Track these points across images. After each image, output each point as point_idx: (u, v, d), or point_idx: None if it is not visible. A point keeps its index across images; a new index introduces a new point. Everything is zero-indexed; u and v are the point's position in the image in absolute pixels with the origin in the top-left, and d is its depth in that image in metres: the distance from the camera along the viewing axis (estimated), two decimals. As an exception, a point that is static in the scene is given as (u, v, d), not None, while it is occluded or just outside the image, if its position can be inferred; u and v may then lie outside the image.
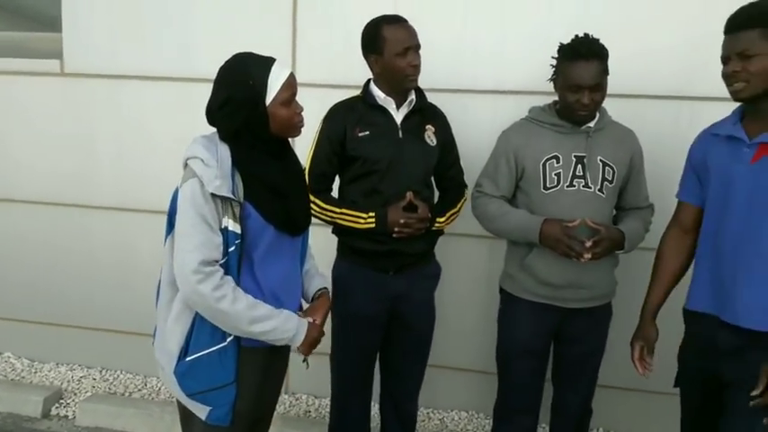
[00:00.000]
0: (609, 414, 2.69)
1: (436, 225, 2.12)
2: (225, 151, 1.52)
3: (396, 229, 2.01)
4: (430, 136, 2.12)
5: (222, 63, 1.57)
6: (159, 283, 1.63)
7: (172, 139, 2.86)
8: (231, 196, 1.48)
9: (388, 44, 1.99)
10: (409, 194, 2.03)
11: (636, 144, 2.09)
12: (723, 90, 2.39)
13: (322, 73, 2.75)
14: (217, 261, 1.48)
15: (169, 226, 1.58)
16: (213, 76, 1.56)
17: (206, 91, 1.59)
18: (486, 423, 2.83)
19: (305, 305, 1.78)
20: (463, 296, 2.79)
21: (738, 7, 1.65)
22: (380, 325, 2.15)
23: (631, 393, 2.73)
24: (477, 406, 2.90)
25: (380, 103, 2.07)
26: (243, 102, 1.50)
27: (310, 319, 1.65)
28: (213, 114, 1.55)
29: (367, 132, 2.04)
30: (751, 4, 1.64)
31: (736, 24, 1.62)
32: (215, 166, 1.47)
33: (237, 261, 1.52)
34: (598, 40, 1.95)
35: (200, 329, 1.53)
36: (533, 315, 2.06)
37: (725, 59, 1.65)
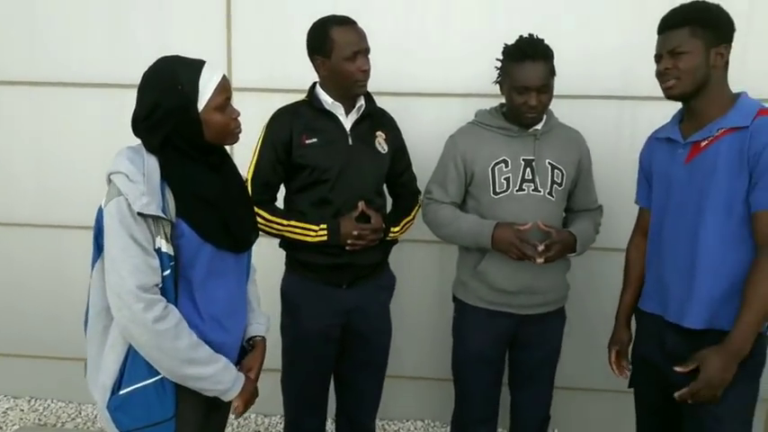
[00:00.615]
0: (563, 416, 2.69)
1: (391, 235, 2.06)
2: (153, 164, 1.40)
3: (349, 242, 1.93)
4: (381, 143, 2.06)
5: (146, 68, 1.45)
6: (87, 310, 1.49)
7: (99, 149, 2.68)
8: (161, 214, 1.36)
9: (336, 47, 1.90)
10: (361, 204, 1.96)
11: (583, 145, 2.09)
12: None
13: (260, 75, 2.64)
14: (157, 285, 1.37)
15: (96, 248, 1.45)
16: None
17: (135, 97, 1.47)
18: (443, 429, 2.79)
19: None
20: (414, 303, 2.75)
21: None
22: (334, 340, 2.06)
23: (584, 393, 2.74)
24: (433, 414, 2.87)
25: (328, 108, 1.98)
26: (172, 109, 1.39)
27: (247, 375, 1.56)
28: (139, 124, 1.42)
29: (315, 139, 1.95)
30: (682, 4, 1.67)
31: (667, 24, 1.65)
32: (141, 182, 1.36)
33: (174, 285, 1.41)
34: (543, 40, 1.94)
35: (136, 360, 1.41)
36: (488, 323, 2.03)
37: (657, 58, 1.68)
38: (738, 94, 1.66)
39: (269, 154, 1.96)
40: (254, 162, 1.98)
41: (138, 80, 1.44)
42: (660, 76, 1.67)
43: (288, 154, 1.96)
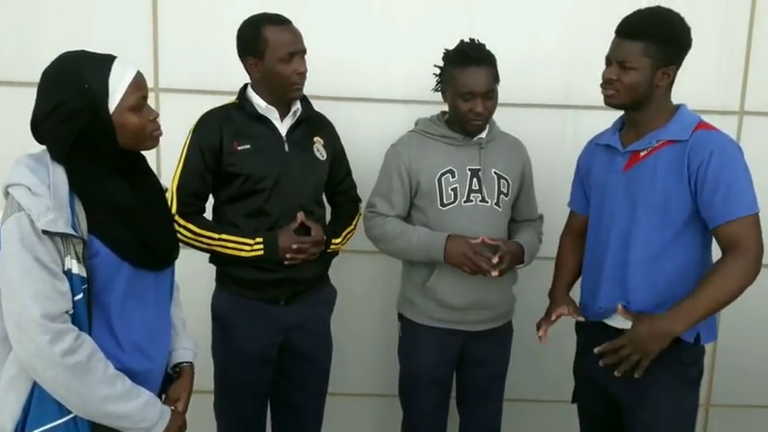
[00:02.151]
0: (510, 428, 2.66)
1: (332, 247, 1.96)
2: (60, 174, 1.24)
3: (288, 256, 1.81)
4: (319, 149, 1.95)
5: (48, 65, 1.29)
6: None
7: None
8: (70, 231, 1.20)
9: (270, 47, 1.78)
10: (300, 215, 1.85)
11: (526, 154, 2.08)
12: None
13: (189, 75, 2.47)
14: (67, 312, 1.21)
15: None
16: None
17: None
18: (385, 449, 2.71)
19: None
20: (356, 317, 2.65)
21: (634, 10, 1.65)
22: (271, 360, 1.94)
23: (530, 404, 2.73)
24: (374, 431, 2.77)
25: (261, 112, 1.86)
26: (77, 110, 1.24)
27: (173, 407, 1.42)
28: (39, 127, 1.27)
29: (248, 146, 1.82)
30: (647, 12, 1.65)
31: (626, 30, 1.62)
32: (46, 195, 1.20)
33: (87, 311, 1.25)
34: (485, 45, 1.89)
35: (43, 397, 1.24)
36: (437, 342, 1.97)
37: (608, 61, 1.66)
38: (678, 106, 1.67)
39: (196, 161, 1.82)
40: (179, 170, 1.83)
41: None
42: (604, 81, 1.67)
43: (217, 161, 1.82)
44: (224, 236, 1.81)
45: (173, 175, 1.83)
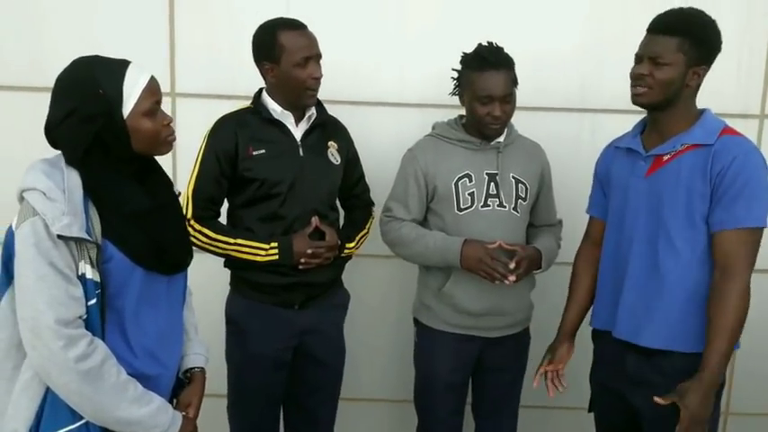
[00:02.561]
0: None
1: (346, 251, 1.96)
2: (74, 179, 1.25)
3: (303, 260, 1.81)
4: (333, 153, 1.95)
5: (63, 69, 1.30)
6: None
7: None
8: (85, 236, 1.21)
9: (286, 52, 1.78)
10: (315, 220, 1.85)
11: (544, 158, 2.06)
12: (622, 103, 2.44)
13: (205, 81, 2.48)
14: (80, 317, 1.22)
15: (6, 275, 1.28)
16: None
17: None
18: (398, 455, 2.70)
19: None
20: (370, 321, 2.64)
21: (668, 8, 1.63)
22: (286, 364, 1.94)
23: (545, 411, 2.70)
24: (388, 438, 2.76)
25: (277, 117, 1.86)
26: (92, 115, 1.24)
27: (184, 413, 1.42)
28: (53, 132, 1.27)
29: (263, 151, 1.83)
30: (681, 11, 1.62)
31: (659, 27, 1.59)
32: (61, 200, 1.20)
33: (100, 316, 1.25)
34: (503, 48, 1.88)
35: (56, 402, 1.25)
36: (453, 348, 1.95)
37: (638, 58, 1.63)
38: (703, 111, 1.64)
39: (212, 166, 1.82)
40: (194, 175, 1.84)
41: None
42: (633, 78, 1.62)
43: (233, 166, 1.83)
44: (239, 240, 1.82)
45: (188, 179, 1.84)
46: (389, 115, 2.54)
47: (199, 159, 1.84)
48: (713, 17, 1.63)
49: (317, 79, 1.83)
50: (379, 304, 2.64)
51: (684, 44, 1.54)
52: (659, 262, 1.60)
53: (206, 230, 1.81)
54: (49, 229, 1.17)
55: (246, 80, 2.42)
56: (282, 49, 1.78)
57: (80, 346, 1.19)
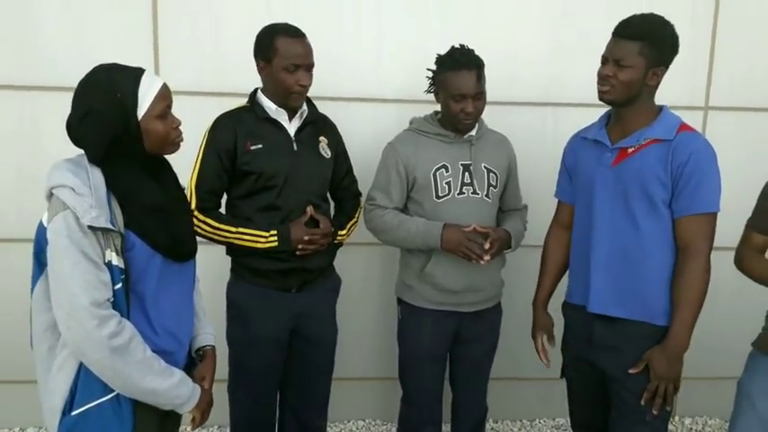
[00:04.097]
0: (495, 405, 2.89)
1: (338, 238, 2.16)
2: (97, 175, 1.40)
3: (300, 247, 2.01)
4: (324, 148, 2.15)
5: (82, 76, 1.45)
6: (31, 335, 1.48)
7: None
8: (111, 227, 1.37)
9: (278, 56, 1.97)
10: (310, 209, 2.05)
11: (511, 149, 2.29)
12: (582, 96, 2.71)
13: (190, 79, 2.64)
14: (108, 300, 1.37)
15: (38, 266, 1.43)
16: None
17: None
18: (383, 429, 2.93)
19: None
20: (354, 305, 2.84)
21: (631, 14, 1.84)
22: (284, 345, 2.13)
23: (514, 382, 2.97)
24: (373, 413, 2.99)
25: (272, 115, 2.05)
26: (111, 117, 1.39)
27: (204, 385, 1.60)
28: (75, 132, 1.42)
29: (260, 146, 2.01)
30: (642, 16, 1.83)
31: (622, 32, 1.81)
32: (88, 194, 1.36)
33: (125, 299, 1.41)
34: (473, 50, 2.10)
35: (88, 378, 1.40)
36: (434, 322, 2.17)
37: (604, 59, 1.85)
38: (661, 107, 1.88)
39: (213, 160, 2.00)
40: (197, 169, 2.01)
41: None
42: (600, 78, 1.84)
43: (232, 160, 2.00)
44: (240, 229, 2.00)
45: (190, 173, 2.01)
46: (367, 110, 2.75)
47: (200, 154, 2.01)
48: (660, 12, 1.86)
49: (303, 86, 2.00)
50: (361, 289, 2.85)
51: (645, 48, 1.78)
52: (625, 243, 1.85)
53: (209, 220, 1.98)
54: (80, 221, 1.32)
55: (231, 77, 2.61)
56: (276, 52, 1.96)
57: (111, 325, 1.34)
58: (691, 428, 3.01)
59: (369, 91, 2.73)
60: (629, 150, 1.85)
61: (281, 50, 1.96)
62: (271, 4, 2.61)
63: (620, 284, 1.86)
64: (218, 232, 2.00)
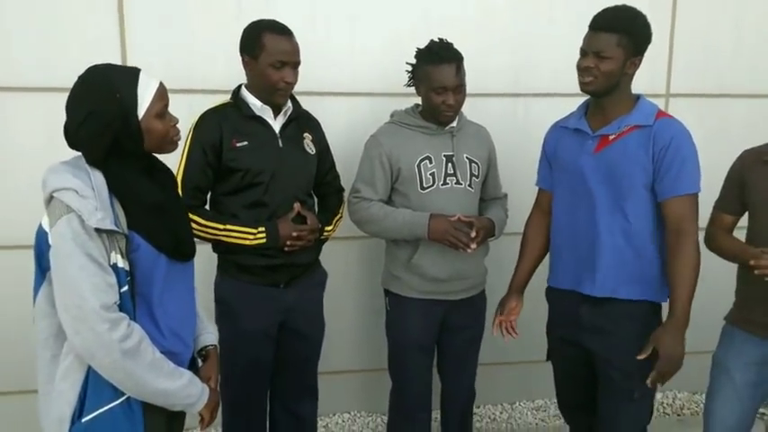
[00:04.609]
0: (481, 389, 2.97)
1: (324, 233, 2.19)
2: (99, 177, 1.39)
3: (288, 243, 2.02)
4: (309, 144, 2.17)
5: (78, 77, 1.44)
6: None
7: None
8: (116, 229, 1.36)
9: (265, 52, 1.97)
10: (297, 205, 2.07)
11: (490, 140, 2.36)
12: (551, 87, 2.80)
13: (161, 75, 2.58)
14: (116, 303, 1.36)
15: (40, 272, 1.41)
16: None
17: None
18: (369, 420, 2.98)
19: None
20: (336, 298, 2.86)
21: (604, 8, 1.92)
22: (273, 340, 2.15)
23: (499, 366, 3.05)
24: (358, 405, 3.03)
25: (257, 112, 2.05)
26: (111, 118, 1.38)
27: (210, 384, 1.61)
28: (74, 135, 1.40)
29: (245, 143, 2.02)
30: (616, 8, 1.91)
31: (600, 25, 1.89)
32: (92, 196, 1.35)
33: (131, 302, 1.41)
34: (452, 44, 2.15)
35: (98, 382, 1.39)
36: (423, 311, 2.23)
37: (583, 52, 1.92)
38: (638, 96, 1.98)
39: (198, 157, 1.99)
40: (182, 166, 2.00)
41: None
42: (581, 70, 1.91)
43: (218, 157, 2.01)
44: (229, 226, 2.01)
45: (176, 171, 1.99)
46: (341, 104, 2.77)
47: (186, 152, 2.00)
48: (621, 2, 1.94)
49: (289, 83, 2.01)
50: (340, 283, 2.87)
51: (622, 39, 1.86)
52: (609, 225, 1.93)
53: (197, 218, 1.97)
54: (85, 224, 1.31)
55: (201, 74, 2.59)
56: (263, 49, 1.97)
57: (122, 328, 1.34)
58: (662, 402, 3.16)
59: (342, 85, 2.75)
60: (611, 137, 1.93)
61: (268, 47, 1.97)
62: (242, 4, 2.60)
63: (604, 264, 1.95)
64: (206, 229, 2.00)
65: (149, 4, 2.57)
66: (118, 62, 2.55)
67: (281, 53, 1.98)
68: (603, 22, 1.88)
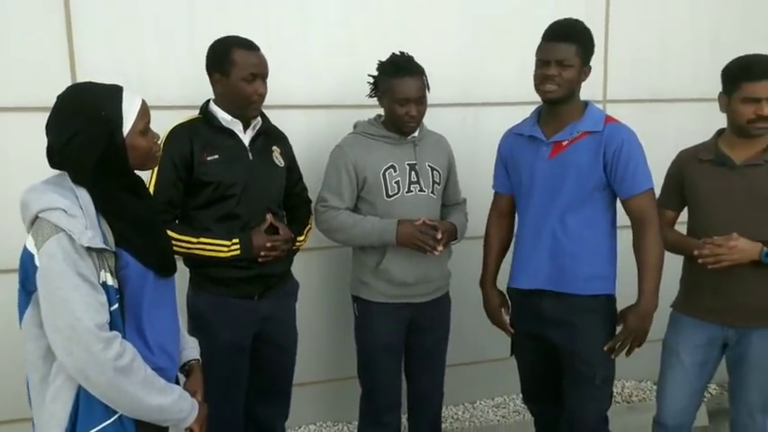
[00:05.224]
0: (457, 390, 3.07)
1: (297, 244, 2.25)
2: (85, 196, 1.40)
3: (262, 254, 2.07)
4: (277, 157, 2.23)
5: (59, 96, 1.45)
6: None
7: None
8: (106, 247, 1.38)
9: (237, 67, 2.03)
10: (270, 217, 2.13)
11: (449, 148, 2.49)
12: (499, 96, 2.95)
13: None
14: (107, 322, 1.37)
15: (25, 295, 1.41)
16: None
17: None
18: (335, 430, 3.01)
19: None
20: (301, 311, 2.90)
21: (556, 20, 2.07)
22: (248, 352, 2.19)
23: (464, 366, 3.16)
24: (323, 416, 3.07)
25: (227, 125, 2.10)
26: (98, 136, 1.40)
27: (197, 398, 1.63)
28: (59, 154, 1.41)
29: (216, 156, 2.06)
30: (568, 21, 2.06)
31: (559, 35, 2.03)
32: (81, 216, 1.36)
33: (121, 319, 1.42)
34: (413, 57, 2.26)
35: (89, 402, 1.39)
36: (391, 315, 2.33)
37: (544, 63, 2.04)
38: (586, 102, 2.14)
39: (170, 172, 2.02)
40: (154, 181, 2.02)
41: None
42: (544, 79, 2.03)
43: (189, 171, 2.04)
44: (202, 239, 2.04)
45: (146, 185, 1.99)
46: (300, 117, 2.82)
47: (156, 166, 2.00)
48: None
49: (261, 95, 2.09)
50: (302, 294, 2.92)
51: (579, 49, 2.03)
52: (568, 226, 2.09)
53: (171, 232, 1.97)
54: (75, 244, 1.32)
55: (154, 91, 2.58)
56: (233, 64, 2.03)
57: (115, 346, 1.35)
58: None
59: (299, 98, 2.80)
60: (564, 143, 2.09)
61: (238, 62, 2.03)
62: (194, 11, 2.61)
63: (576, 264, 2.09)
64: (180, 243, 2.02)
65: (97, 21, 2.55)
66: (68, 80, 2.53)
67: (251, 66, 2.05)
68: (562, 33, 2.03)
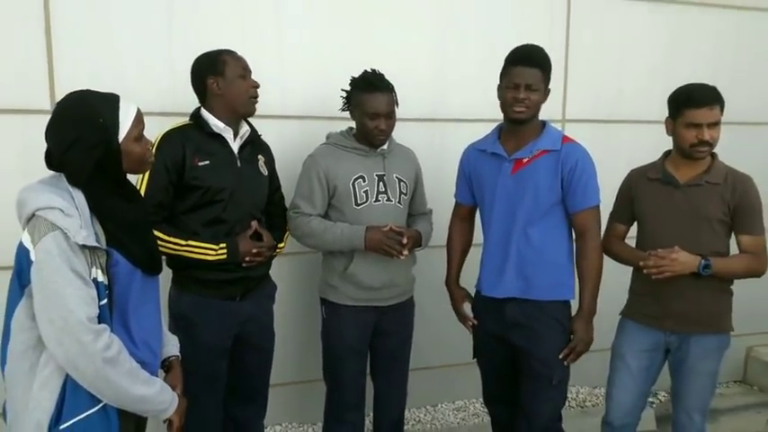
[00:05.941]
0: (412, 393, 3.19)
1: (277, 250, 2.41)
2: (81, 198, 1.53)
3: (247, 259, 2.20)
4: (262, 165, 2.39)
5: (58, 104, 1.57)
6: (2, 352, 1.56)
7: None
8: (98, 245, 1.50)
9: (229, 66, 2.20)
10: (255, 223, 2.27)
11: (416, 161, 2.66)
12: (464, 113, 3.10)
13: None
14: (97, 316, 1.48)
15: (19, 288, 1.52)
16: None
17: None
18: (300, 430, 3.11)
19: None
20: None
21: (519, 45, 2.24)
22: (228, 352, 2.30)
23: (429, 370, 3.29)
24: (289, 417, 3.18)
25: (219, 131, 2.23)
26: (96, 142, 1.53)
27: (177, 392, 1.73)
28: (59, 159, 1.53)
29: (207, 162, 2.18)
30: (532, 47, 2.24)
31: (527, 60, 2.20)
32: (76, 215, 1.48)
33: (109, 314, 1.53)
34: (384, 74, 2.40)
35: (76, 391, 1.50)
36: (357, 317, 2.48)
37: (515, 86, 2.19)
38: (544, 122, 2.33)
39: (161, 175, 2.12)
40: (145, 184, 2.12)
41: None
42: (514, 101, 2.19)
43: (180, 175, 2.15)
44: (190, 242, 2.16)
45: (137, 187, 2.08)
46: (272, 127, 2.93)
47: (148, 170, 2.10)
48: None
49: (257, 88, 2.27)
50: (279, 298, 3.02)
51: (543, 74, 2.22)
52: (528, 238, 2.27)
53: (158, 234, 2.05)
54: (70, 241, 1.44)
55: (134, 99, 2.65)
56: (226, 64, 2.21)
57: (104, 338, 1.47)
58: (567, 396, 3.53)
59: (274, 109, 2.92)
60: (524, 160, 2.27)
61: (230, 62, 2.21)
62: (172, 23, 2.71)
63: (536, 273, 2.28)
64: (168, 245, 2.13)
65: (76, 29, 2.62)
66: (46, 88, 2.59)
67: (241, 67, 2.24)
68: (529, 59, 2.21)
